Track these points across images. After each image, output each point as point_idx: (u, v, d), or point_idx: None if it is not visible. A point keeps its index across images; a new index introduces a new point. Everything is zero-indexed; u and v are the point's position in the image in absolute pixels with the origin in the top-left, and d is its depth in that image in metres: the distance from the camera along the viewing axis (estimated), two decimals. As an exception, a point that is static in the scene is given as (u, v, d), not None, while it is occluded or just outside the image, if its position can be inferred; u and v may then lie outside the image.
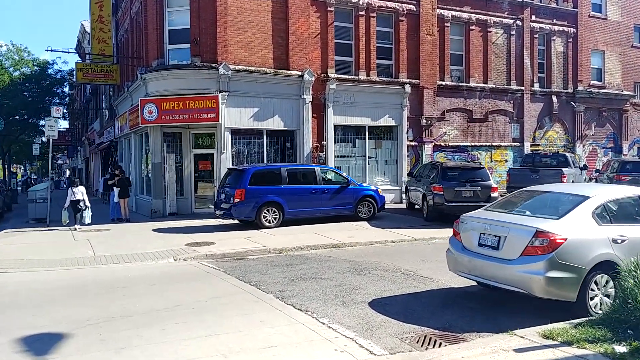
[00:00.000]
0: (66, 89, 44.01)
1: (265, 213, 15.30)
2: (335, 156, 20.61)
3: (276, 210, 15.43)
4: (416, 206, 18.89)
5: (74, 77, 28.50)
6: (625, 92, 27.47)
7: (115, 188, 17.97)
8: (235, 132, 18.97)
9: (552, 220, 6.31)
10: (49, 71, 38.23)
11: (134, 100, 21.51)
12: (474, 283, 7.70)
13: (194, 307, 7.03)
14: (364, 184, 18.18)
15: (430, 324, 6.10)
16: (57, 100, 40.96)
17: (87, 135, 43.16)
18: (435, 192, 15.67)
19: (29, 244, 13.35)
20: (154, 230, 15.51)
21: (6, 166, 44.39)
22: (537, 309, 6.50)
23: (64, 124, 54.39)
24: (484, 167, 16.38)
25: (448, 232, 14.55)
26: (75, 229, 15.81)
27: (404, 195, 21.50)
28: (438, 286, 7.96)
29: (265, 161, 19.33)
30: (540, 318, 6.06)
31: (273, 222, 15.38)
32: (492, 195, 15.46)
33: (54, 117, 17.20)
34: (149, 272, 9.77)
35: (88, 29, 29.20)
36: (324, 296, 7.40)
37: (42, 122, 41.54)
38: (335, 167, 19.25)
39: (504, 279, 6.27)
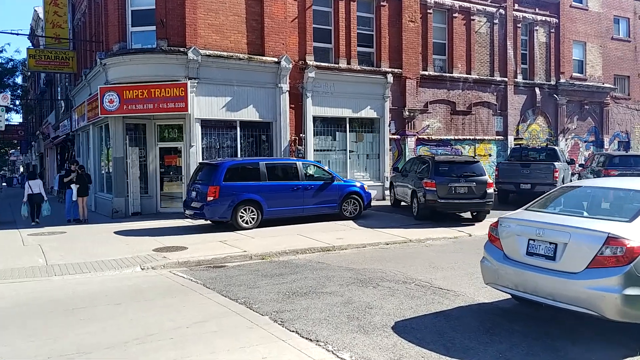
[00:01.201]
0: (19, 80, 41.11)
1: (242, 213, 13.79)
2: (314, 150, 19.21)
3: (254, 210, 13.95)
4: (402, 203, 17.74)
5: (27, 65, 26.13)
6: (606, 85, 26.99)
7: (73, 185, 16.08)
8: (206, 124, 17.35)
9: (623, 223, 5.09)
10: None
11: (92, 89, 19.59)
12: (506, 295, 6.46)
13: (172, 336, 5.52)
14: (350, 180, 16.83)
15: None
16: (9, 93, 38.07)
17: (41, 130, 40.40)
18: (427, 188, 14.46)
19: (-31, 251, 11.46)
20: (116, 232, 13.80)
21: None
22: (606, 333, 5.30)
23: (16, 118, 51.11)
24: (478, 161, 15.27)
25: (443, 232, 13.53)
26: (37, 222, 15.82)
27: (386, 192, 20.31)
28: (465, 301, 6.67)
29: (239, 155, 17.77)
30: (614, 345, 4.85)
31: (251, 222, 13.89)
32: (487, 191, 14.38)
33: (0, 105, 15.18)
34: (113, 286, 8.16)
35: (42, 16, 26.91)
36: (333, 318, 6.00)
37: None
38: (315, 161, 17.85)
39: (566, 297, 5.02)
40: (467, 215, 15.57)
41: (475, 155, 22.00)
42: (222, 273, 9.05)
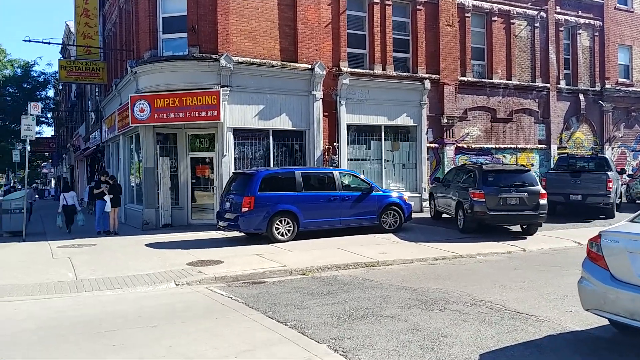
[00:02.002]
0: (50, 93, 41.53)
1: (277, 224, 13.11)
2: (348, 159, 18.47)
3: (290, 221, 13.24)
4: (444, 215, 16.82)
5: (58, 77, 26.12)
6: (654, 91, 25.70)
7: (106, 197, 15.63)
8: (238, 133, 16.78)
9: None
10: (32, 74, 35.69)
11: (122, 99, 19.28)
12: (600, 321, 5.57)
13: (219, 369, 4.81)
14: (388, 190, 16.00)
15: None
16: (41, 104, 38.43)
17: (72, 142, 40.65)
18: (474, 199, 13.54)
19: (-3, 264, 11.01)
20: (147, 245, 13.24)
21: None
22: None
23: (47, 131, 51.74)
24: (529, 170, 14.32)
25: (494, 247, 12.33)
26: (70, 231, 16.54)
27: (424, 203, 19.41)
28: (554, 329, 5.76)
29: (271, 165, 17.13)
30: None
31: (286, 234, 13.18)
32: (540, 202, 13.39)
33: (31, 114, 14.86)
34: (146, 304, 7.51)
35: (73, 30, 26.92)
36: (404, 349, 5.17)
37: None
38: (352, 170, 17.06)
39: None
40: (515, 228, 14.60)
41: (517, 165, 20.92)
42: (264, 290, 8.32)
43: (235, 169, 16.41)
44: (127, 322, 6.48)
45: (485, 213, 13.35)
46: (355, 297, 7.49)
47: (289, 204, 13.26)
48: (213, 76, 16.07)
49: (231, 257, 11.14)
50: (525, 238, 13.45)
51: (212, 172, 17.38)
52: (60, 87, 52.17)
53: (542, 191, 13.56)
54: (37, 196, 49.59)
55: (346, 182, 14.64)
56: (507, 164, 18.95)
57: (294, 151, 17.87)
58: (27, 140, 15.11)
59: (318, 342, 5.44)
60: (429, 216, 17.93)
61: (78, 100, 36.10)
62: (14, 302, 7.84)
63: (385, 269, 10.19)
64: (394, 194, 15.17)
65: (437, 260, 11.03)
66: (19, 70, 35.00)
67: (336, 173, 14.28)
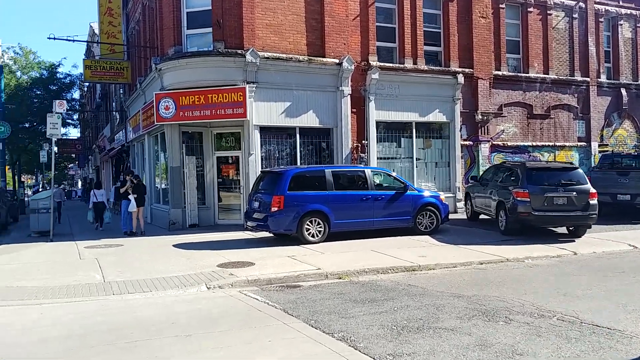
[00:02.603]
0: (76, 95, 41.71)
1: (308, 225, 12.57)
2: (377, 158, 17.81)
3: (320, 222, 12.68)
4: (481, 216, 16.06)
5: (83, 77, 26.01)
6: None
7: (131, 196, 15.28)
8: (265, 131, 16.28)
9: None
10: (58, 75, 35.79)
11: (147, 98, 18.97)
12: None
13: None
14: (425, 190, 15.32)
15: None
16: (68, 107, 38.58)
17: (97, 143, 40.79)
18: (518, 199, 12.76)
19: (24, 264, 10.68)
20: (175, 245, 12.82)
21: (16, 176, 42.05)
22: None
23: (74, 132, 52.11)
24: (577, 168, 13.47)
25: (542, 250, 11.39)
26: (99, 227, 17.27)
27: (458, 204, 18.67)
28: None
29: (298, 164, 16.59)
30: None
31: (317, 235, 12.63)
32: (590, 202, 12.53)
33: (56, 112, 14.58)
34: (179, 310, 7.01)
35: (97, 31, 26.80)
36: (478, 370, 4.58)
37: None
38: (385, 169, 16.41)
39: None
40: (561, 230, 13.79)
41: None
42: (301, 295, 7.76)
43: (261, 168, 15.94)
44: (159, 331, 5.98)
45: (529, 214, 12.57)
46: (404, 306, 6.86)
47: (319, 203, 12.71)
48: (239, 72, 15.60)
49: (262, 259, 10.63)
50: (574, 241, 12.64)
51: (238, 172, 16.93)
52: (86, 89, 52.57)
53: (592, 190, 12.69)
54: (65, 197, 50.03)
55: (379, 181, 14.02)
56: (551, 162, 18.04)
57: (321, 150, 17.31)
58: (53, 139, 14.81)
59: (373, 359, 4.84)
60: (465, 217, 17.16)
61: (102, 101, 36.15)
62: (39, 306, 7.42)
63: (428, 274, 9.55)
64: (430, 194, 14.49)
65: (482, 264, 10.34)
66: (45, 72, 35.10)
67: (368, 171, 13.66)
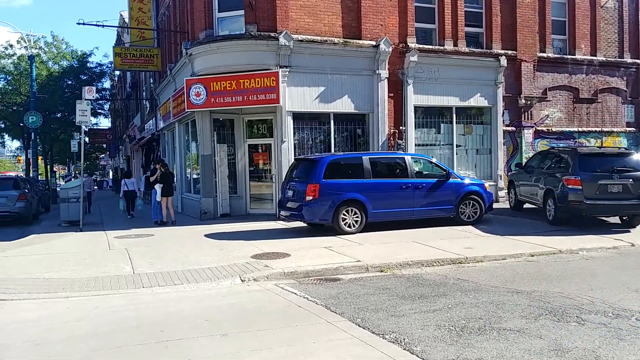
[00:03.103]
0: (107, 84, 41.86)
1: (344, 215, 11.94)
2: (415, 144, 17.03)
3: (357, 211, 12.04)
4: (526, 205, 15.19)
5: (113, 65, 25.83)
6: None
7: (157, 185, 14.94)
8: (298, 117, 15.67)
9: None
10: (89, 65, 35.86)
11: (177, 84, 18.58)
12: None
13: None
14: (467, 177, 14.52)
15: None
16: (98, 96, 38.74)
17: (127, 132, 40.94)
18: (569, 186, 11.88)
19: (53, 255, 10.36)
20: (206, 235, 12.38)
21: (48, 166, 42.61)
22: None
23: (104, 123, 52.61)
24: (633, 153, 12.49)
25: (595, 241, 10.42)
26: (132, 215, 17.57)
27: (500, 192, 17.77)
28: None
29: (332, 151, 15.95)
30: None
31: (354, 226, 12.01)
32: (647, 190, 11.57)
33: (86, 99, 14.27)
34: (212, 306, 6.50)
35: (127, 20, 26.58)
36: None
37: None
38: (425, 155, 15.62)
39: None
40: (613, 219, 12.85)
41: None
42: (343, 290, 7.16)
43: (294, 156, 15.38)
44: (192, 329, 5.46)
45: (581, 202, 11.68)
46: (458, 303, 6.20)
47: (356, 192, 12.07)
48: (271, 56, 15.01)
49: (297, 250, 10.07)
50: (629, 231, 11.74)
51: (270, 160, 16.40)
52: (116, 79, 52.91)
53: (652, 177, 11.73)
54: (96, 187, 50.61)
55: (419, 168, 13.30)
56: (604, 147, 16.94)
57: (356, 136, 16.63)
58: (83, 127, 14.52)
59: (439, 367, 4.23)
60: (508, 206, 16.30)
61: (133, 90, 36.14)
62: (67, 299, 7.01)
63: (476, 267, 8.85)
64: (473, 182, 13.69)
65: (533, 256, 9.58)
66: (76, 61, 35.18)
67: (408, 158, 12.93)
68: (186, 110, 15.95)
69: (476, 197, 13.24)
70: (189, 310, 6.26)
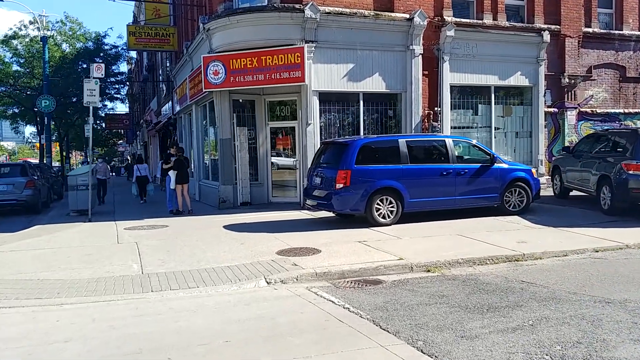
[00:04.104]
0: (123, 67, 40.86)
1: (378, 204, 10.69)
2: (451, 127, 15.65)
3: (392, 201, 10.77)
4: (572, 193, 13.81)
5: (127, 45, 24.71)
6: None
7: (171, 172, 13.86)
8: (324, 97, 14.39)
9: None
10: (104, 47, 34.82)
11: (194, 64, 17.42)
12: None
13: None
14: (514, 163, 13.16)
15: None
16: (114, 80, 37.81)
17: (144, 117, 40.04)
18: (630, 172, 10.45)
19: (54, 250, 9.31)
20: (225, 227, 11.26)
21: (64, 152, 41.96)
22: None
23: (121, 108, 51.79)
24: None
25: None
26: (144, 201, 18.07)
27: (541, 179, 16.27)
28: None
29: (361, 134, 14.68)
30: None
31: (389, 216, 10.77)
32: None
33: (94, 77, 13.16)
34: (232, 318, 5.34)
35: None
36: None
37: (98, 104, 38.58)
38: (467, 137, 14.22)
39: None
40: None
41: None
42: (389, 297, 5.94)
43: (320, 140, 14.15)
44: (209, 354, 4.29)
45: (645, 190, 10.27)
46: (540, 318, 4.93)
47: (391, 179, 10.79)
48: (296, 30, 13.71)
49: (328, 245, 8.88)
50: (703, 223, 10.30)
51: (294, 144, 15.19)
52: (133, 64, 51.98)
53: None
54: (113, 173, 49.91)
55: (460, 152, 11.95)
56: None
57: (387, 118, 15.31)
58: (91, 107, 13.45)
59: None
60: (552, 194, 14.88)
61: (149, 73, 35.11)
62: (60, 308, 5.90)
63: (537, 265, 7.57)
64: (520, 167, 12.31)
65: (598, 252, 8.26)
66: (91, 43, 34.19)
67: (449, 141, 11.57)
68: (203, 90, 14.79)
69: (523, 185, 11.89)
70: (204, 325, 5.09)
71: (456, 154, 11.58)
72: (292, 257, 8.02)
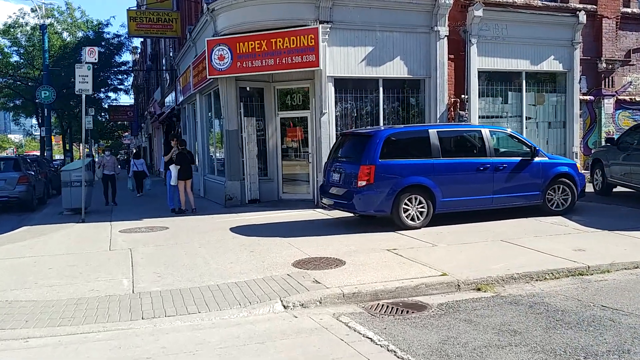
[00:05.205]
0: (126, 57, 39.60)
1: (406, 204, 9.35)
2: (479, 116, 14.28)
3: (422, 200, 9.43)
4: (616, 189, 12.46)
5: (128, 33, 23.40)
6: None
7: (172, 166, 12.60)
8: (340, 84, 13.06)
9: None
10: (105, 35, 33.53)
11: (198, 49, 16.12)
12: None
13: None
14: (555, 156, 11.79)
15: None
16: (116, 70, 36.56)
17: (148, 109, 38.82)
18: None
19: (35, 258, 8.06)
20: (232, 229, 9.99)
21: (67, 145, 40.85)
22: None
23: (125, 99, 50.58)
24: None
25: None
26: (141, 194, 18.15)
27: (578, 173, 14.90)
28: None
29: (381, 124, 13.34)
30: None
31: (418, 218, 9.44)
32: None
33: (87, 62, 11.89)
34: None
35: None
36: None
37: (100, 95, 37.40)
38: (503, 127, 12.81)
39: None
40: None
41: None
42: (443, 332, 4.65)
43: (336, 130, 12.85)
44: None
45: None
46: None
47: (421, 175, 9.46)
48: (309, 9, 12.37)
49: (352, 254, 7.58)
50: None
51: (306, 136, 13.88)
52: (138, 54, 50.72)
53: None
54: (119, 166, 48.62)
55: (497, 144, 10.59)
56: None
57: (409, 106, 13.95)
58: (83, 95, 12.17)
59: None
60: (591, 190, 13.48)
61: (153, 63, 33.85)
62: (24, 344, 4.65)
63: (608, 281, 6.28)
64: (563, 161, 10.94)
65: (678, 264, 6.91)
66: (92, 32, 32.87)
67: (485, 131, 10.18)
68: (208, 77, 13.51)
69: (567, 181, 10.52)
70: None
71: (493, 146, 10.22)
72: (311, 271, 6.73)
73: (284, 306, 5.60)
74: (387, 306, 5.61)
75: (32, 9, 30.56)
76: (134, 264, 7.40)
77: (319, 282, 6.20)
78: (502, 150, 10.63)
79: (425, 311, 5.38)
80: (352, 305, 5.68)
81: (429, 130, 9.81)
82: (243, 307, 5.53)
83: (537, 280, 6.44)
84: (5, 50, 31.69)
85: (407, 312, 5.40)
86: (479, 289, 6.11)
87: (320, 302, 5.69)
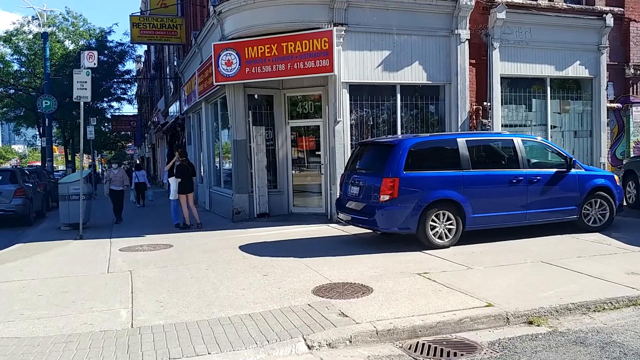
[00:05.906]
0: (129, 65, 39.05)
1: (433, 221, 8.50)
2: (501, 125, 13.47)
3: (451, 216, 8.58)
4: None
5: (130, 40, 22.73)
6: None
7: (172, 179, 11.83)
8: (355, 91, 12.28)
9: None
10: (108, 44, 32.95)
11: (204, 55, 15.40)
12: None
13: None
14: (591, 167, 10.98)
15: None
16: (119, 80, 35.96)
17: (152, 119, 38.17)
18: None
19: (27, 283, 7.24)
20: (242, 248, 9.17)
21: (69, 156, 40.18)
22: None
23: (127, 109, 50.03)
24: None
25: None
26: (142, 205, 18.46)
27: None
28: None
29: (398, 133, 12.55)
30: None
31: (447, 236, 8.60)
32: None
33: (85, 67, 11.15)
34: None
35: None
36: None
37: (103, 105, 36.78)
38: (534, 136, 11.96)
39: None
40: None
41: None
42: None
43: (351, 139, 12.06)
44: None
45: None
46: None
47: (450, 189, 8.63)
48: (323, 10, 11.64)
49: (379, 279, 6.74)
50: None
51: (318, 145, 13.11)
52: (142, 63, 50.20)
53: None
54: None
55: (530, 154, 9.75)
56: None
57: (428, 115, 13.16)
58: (82, 102, 11.41)
59: None
60: (624, 203, 12.61)
61: (157, 71, 33.23)
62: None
63: (688, 316, 5.37)
64: (600, 173, 10.12)
65: None
66: (94, 40, 32.28)
67: (518, 141, 9.36)
68: (214, 84, 12.78)
69: (605, 194, 9.70)
70: None
71: (526, 156, 9.38)
72: (335, 300, 5.89)
73: (308, 346, 4.76)
74: (429, 346, 4.77)
75: (33, 16, 30.04)
76: (134, 290, 6.56)
77: (347, 315, 5.36)
78: (533, 161, 9.78)
79: (476, 353, 4.53)
80: (388, 344, 4.83)
81: (457, 140, 8.98)
82: (260, 347, 4.69)
83: (594, 311, 5.60)
84: (7, 59, 31.14)
85: (455, 354, 4.55)
86: (530, 323, 5.27)
87: (351, 342, 4.84)
